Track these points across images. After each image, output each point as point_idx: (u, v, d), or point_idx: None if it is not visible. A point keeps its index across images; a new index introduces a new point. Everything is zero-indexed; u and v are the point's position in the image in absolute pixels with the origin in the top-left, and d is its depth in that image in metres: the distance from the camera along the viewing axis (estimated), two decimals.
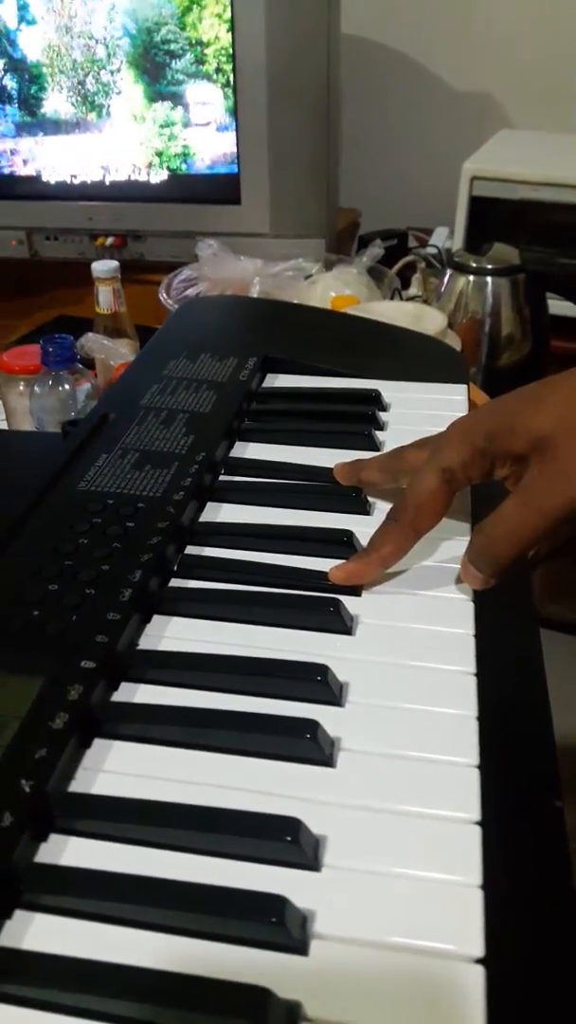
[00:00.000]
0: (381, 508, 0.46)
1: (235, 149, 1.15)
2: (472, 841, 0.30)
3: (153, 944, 0.27)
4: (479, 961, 0.26)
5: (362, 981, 0.26)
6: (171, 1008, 0.25)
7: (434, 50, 1.46)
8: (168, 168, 1.19)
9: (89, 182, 1.22)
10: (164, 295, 1.04)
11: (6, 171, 1.23)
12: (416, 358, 0.64)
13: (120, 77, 1.15)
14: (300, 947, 0.27)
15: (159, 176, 1.20)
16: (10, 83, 1.18)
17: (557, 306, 1.07)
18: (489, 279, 0.98)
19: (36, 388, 0.79)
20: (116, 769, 0.33)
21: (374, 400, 0.56)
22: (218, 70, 1.12)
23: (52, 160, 1.21)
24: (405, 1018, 0.25)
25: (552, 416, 0.39)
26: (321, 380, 0.59)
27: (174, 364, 0.58)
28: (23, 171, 1.23)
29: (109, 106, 1.18)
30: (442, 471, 0.41)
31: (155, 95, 1.16)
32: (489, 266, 0.98)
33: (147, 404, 0.53)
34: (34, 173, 1.23)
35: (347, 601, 0.40)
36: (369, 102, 1.49)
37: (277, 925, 0.26)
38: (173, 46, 1.12)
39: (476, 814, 0.31)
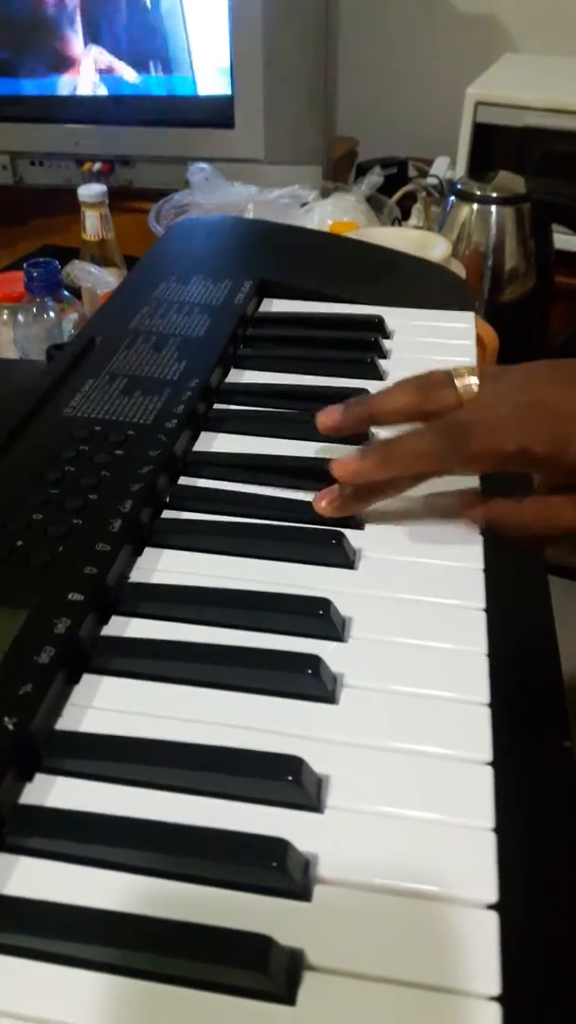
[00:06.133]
0: None
1: (228, 69, 1.09)
2: (483, 782, 0.28)
3: (147, 889, 0.25)
4: (492, 907, 0.25)
5: (367, 928, 0.25)
6: (168, 957, 0.24)
7: None
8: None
9: (75, 103, 1.17)
10: (154, 222, 1.00)
11: None
12: (420, 285, 0.61)
13: None
14: (302, 892, 0.25)
15: (149, 98, 1.15)
16: None
17: (562, 240, 1.04)
18: (494, 208, 0.94)
19: (19, 316, 0.76)
20: (106, 706, 0.31)
21: (377, 326, 0.53)
22: None
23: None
24: (413, 967, 0.24)
25: None
26: (320, 306, 0.56)
27: (165, 286, 0.55)
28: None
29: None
30: (523, 450, 0.35)
31: None
32: (494, 194, 0.94)
33: (136, 328, 0.50)
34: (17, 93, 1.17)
35: (350, 534, 0.38)
36: (368, 24, 1.42)
37: (278, 869, 0.25)
38: None
39: (487, 754, 0.29)
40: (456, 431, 0.36)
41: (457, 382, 0.38)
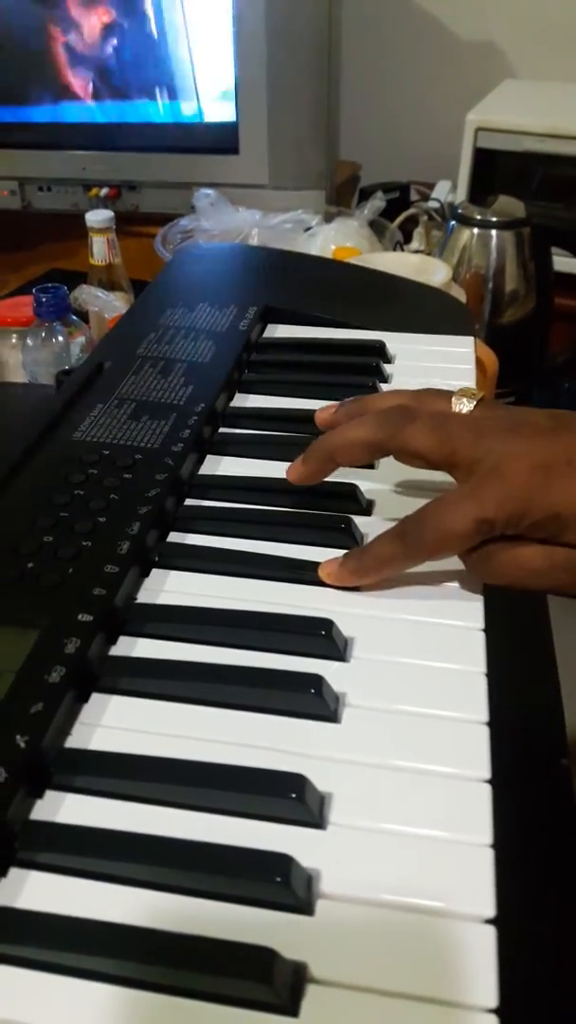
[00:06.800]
0: (385, 464, 0.45)
1: (233, 96, 1.11)
2: (482, 799, 0.29)
3: (154, 904, 0.26)
4: (490, 921, 0.26)
5: (369, 942, 0.25)
6: (175, 969, 0.24)
7: None
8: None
9: (83, 130, 1.19)
10: (160, 246, 1.01)
11: None
12: (421, 310, 0.62)
13: None
14: (306, 907, 0.26)
15: (155, 125, 1.17)
16: None
17: (562, 263, 1.05)
18: (494, 232, 0.95)
19: (29, 340, 0.77)
20: (114, 724, 0.32)
21: (378, 351, 0.54)
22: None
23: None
24: (413, 980, 0.24)
25: None
26: (323, 331, 0.58)
27: (171, 313, 0.56)
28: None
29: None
30: (480, 522, 0.34)
31: None
32: (494, 219, 0.95)
33: (144, 353, 0.52)
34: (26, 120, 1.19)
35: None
36: (370, 51, 1.45)
37: (282, 884, 0.25)
38: None
39: (486, 771, 0.30)
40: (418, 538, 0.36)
41: (419, 421, 0.37)
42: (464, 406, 0.39)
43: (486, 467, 0.35)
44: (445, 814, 0.28)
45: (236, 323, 0.55)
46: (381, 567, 0.37)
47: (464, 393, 0.39)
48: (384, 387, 0.51)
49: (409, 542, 0.36)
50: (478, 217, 0.96)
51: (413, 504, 0.39)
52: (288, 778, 0.28)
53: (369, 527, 0.41)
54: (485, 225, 0.96)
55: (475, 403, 0.39)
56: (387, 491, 0.43)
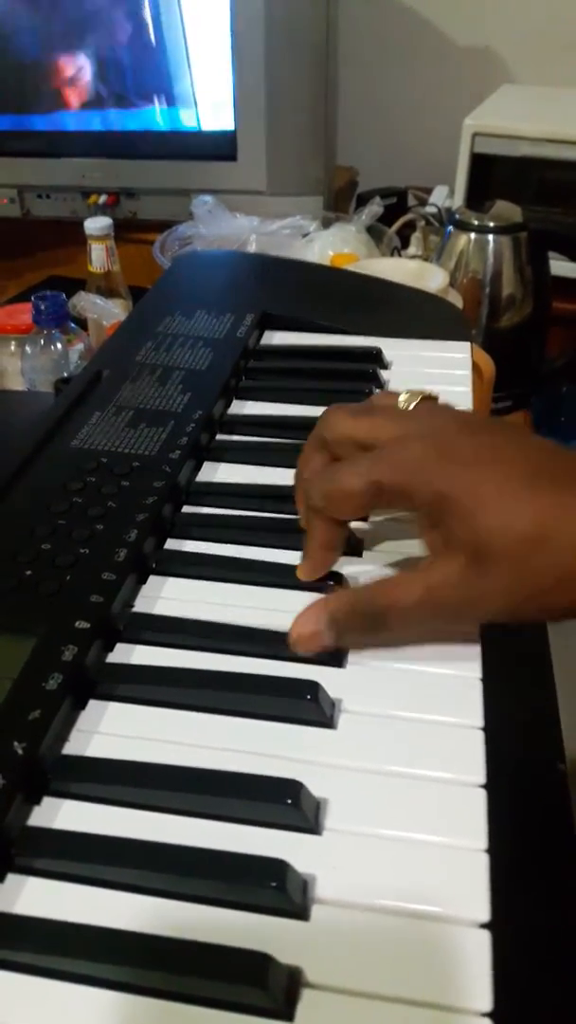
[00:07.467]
0: None
1: (231, 103, 1.12)
2: (477, 804, 0.29)
3: (151, 909, 0.26)
4: (484, 926, 0.26)
5: (364, 946, 0.26)
6: (171, 973, 0.24)
7: (436, 2, 1.42)
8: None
9: (82, 138, 1.19)
10: (159, 253, 1.02)
11: None
12: (417, 316, 0.62)
13: None
14: (301, 912, 0.26)
15: (154, 132, 1.17)
16: None
17: (559, 267, 1.05)
18: (491, 237, 0.96)
19: (27, 348, 0.78)
20: (112, 731, 0.32)
21: (375, 358, 0.55)
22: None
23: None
24: (409, 984, 0.25)
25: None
26: (320, 337, 0.58)
27: (169, 320, 0.57)
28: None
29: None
30: (371, 483, 0.34)
31: None
32: (491, 224, 0.96)
33: (142, 361, 0.52)
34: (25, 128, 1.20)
35: (347, 564, 0.39)
36: (368, 56, 1.45)
37: (278, 890, 0.26)
38: None
39: (481, 777, 0.30)
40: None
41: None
42: (404, 402, 0.39)
43: (394, 440, 0.35)
44: (440, 819, 0.29)
45: (233, 330, 0.55)
46: (315, 551, 0.37)
47: (411, 393, 0.39)
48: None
49: (311, 503, 0.36)
50: (475, 222, 0.96)
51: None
52: (284, 784, 0.29)
53: (362, 532, 0.41)
54: (482, 230, 0.96)
55: (417, 400, 0.39)
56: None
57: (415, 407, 0.38)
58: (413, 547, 0.40)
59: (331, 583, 0.38)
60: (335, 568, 0.38)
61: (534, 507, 0.31)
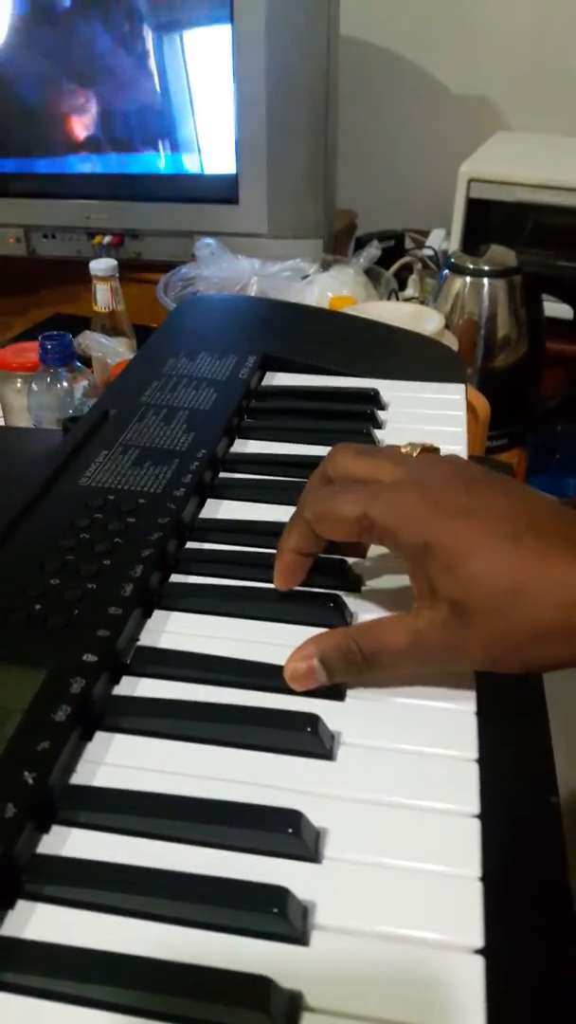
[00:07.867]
0: None
1: (233, 148, 1.15)
2: (472, 834, 0.30)
3: (155, 935, 0.27)
4: (479, 952, 0.27)
5: (363, 971, 0.26)
6: (175, 997, 0.25)
7: (432, 52, 1.46)
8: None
9: (87, 180, 1.22)
10: (162, 293, 1.04)
11: (3, 169, 1.23)
12: (414, 358, 0.64)
13: None
14: (301, 938, 0.27)
15: (158, 176, 1.20)
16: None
17: (553, 308, 1.08)
18: (486, 280, 0.98)
19: (34, 385, 0.79)
20: (117, 762, 0.33)
21: (373, 399, 0.56)
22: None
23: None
24: (405, 1008, 0.25)
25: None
26: (320, 379, 0.60)
27: (174, 361, 0.58)
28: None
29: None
30: (362, 517, 0.36)
31: None
32: (486, 267, 0.98)
33: (147, 401, 0.54)
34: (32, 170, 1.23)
35: (347, 598, 0.40)
36: (366, 103, 1.49)
37: (279, 916, 0.27)
38: None
39: (476, 807, 0.31)
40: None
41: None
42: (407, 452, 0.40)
43: (392, 482, 0.37)
44: (436, 848, 0.30)
45: (236, 371, 0.57)
46: (285, 552, 0.39)
47: (413, 445, 0.40)
48: (378, 433, 0.53)
49: (302, 513, 0.38)
50: (470, 266, 0.99)
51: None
52: (285, 814, 0.30)
53: (361, 567, 0.42)
54: (477, 274, 0.98)
55: (418, 451, 0.40)
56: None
57: (417, 456, 0.40)
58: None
59: (331, 604, 0.39)
60: (333, 591, 0.40)
61: (516, 561, 0.32)
